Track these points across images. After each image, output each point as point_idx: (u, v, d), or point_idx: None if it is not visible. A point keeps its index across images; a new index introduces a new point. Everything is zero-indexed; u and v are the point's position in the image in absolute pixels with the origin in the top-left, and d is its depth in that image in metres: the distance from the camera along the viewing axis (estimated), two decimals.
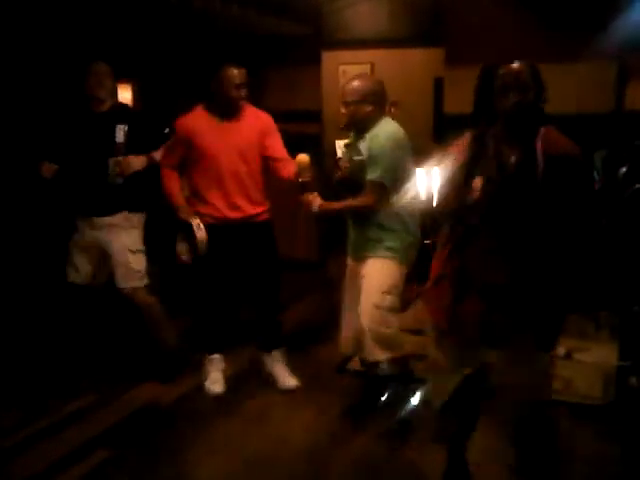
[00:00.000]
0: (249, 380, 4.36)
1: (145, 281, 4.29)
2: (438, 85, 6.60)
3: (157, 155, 4.13)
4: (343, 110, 3.72)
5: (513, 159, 2.46)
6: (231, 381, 4.32)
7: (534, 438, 2.63)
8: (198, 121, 3.96)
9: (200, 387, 4.25)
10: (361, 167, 3.72)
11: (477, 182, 2.49)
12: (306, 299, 5.60)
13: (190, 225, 3.85)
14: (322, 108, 6.91)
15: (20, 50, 4.72)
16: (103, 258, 4.22)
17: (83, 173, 4.08)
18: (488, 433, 3.36)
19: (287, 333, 4.56)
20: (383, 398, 3.92)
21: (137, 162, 4.08)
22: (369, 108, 3.69)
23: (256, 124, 4.04)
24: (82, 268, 4.22)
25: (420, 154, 4.90)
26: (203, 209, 3.99)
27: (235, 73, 3.88)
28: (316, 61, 6.84)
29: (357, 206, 3.71)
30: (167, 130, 4.16)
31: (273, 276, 4.25)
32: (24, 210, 4.78)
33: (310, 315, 5.42)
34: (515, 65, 2.48)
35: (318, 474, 3.43)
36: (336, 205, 3.80)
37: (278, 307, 4.38)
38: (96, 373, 4.35)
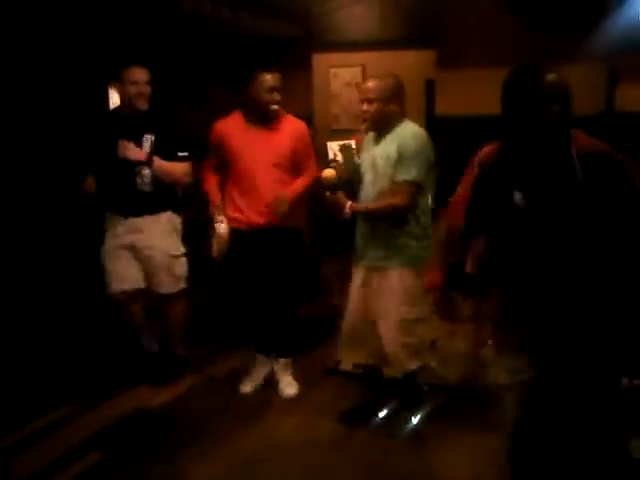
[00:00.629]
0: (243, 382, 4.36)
1: (184, 284, 4.30)
2: (429, 87, 6.60)
3: (163, 164, 4.10)
4: (365, 107, 3.62)
5: (551, 170, 2.40)
6: (225, 382, 4.33)
7: None
8: (232, 125, 3.99)
9: (194, 389, 4.25)
10: (356, 169, 3.72)
11: (517, 196, 2.44)
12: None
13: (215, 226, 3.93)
14: (313, 110, 6.91)
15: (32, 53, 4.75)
16: (140, 260, 4.20)
17: (111, 179, 4.09)
18: (487, 434, 3.40)
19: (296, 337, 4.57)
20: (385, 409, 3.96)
21: (138, 152, 4.05)
22: (394, 107, 3.64)
23: (291, 133, 4.03)
24: (131, 273, 4.17)
25: None
26: (232, 212, 4.01)
27: (268, 77, 3.89)
28: (307, 63, 6.84)
29: (390, 206, 3.57)
30: (186, 153, 4.17)
31: (299, 284, 4.25)
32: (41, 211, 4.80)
33: (304, 317, 5.41)
34: (556, 76, 2.43)
35: (313, 476, 3.43)
36: (369, 205, 3.65)
37: (296, 315, 4.38)
38: (90, 375, 4.34)
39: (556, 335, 2.46)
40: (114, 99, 5.88)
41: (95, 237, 4.25)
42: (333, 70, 7.17)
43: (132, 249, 4.17)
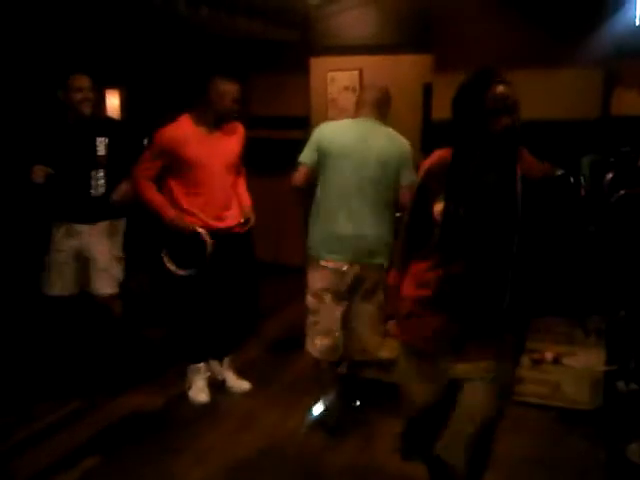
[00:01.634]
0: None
1: (117, 289, 4.32)
2: (427, 91, 6.61)
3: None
4: None
5: (492, 181, 2.39)
6: (217, 388, 4.32)
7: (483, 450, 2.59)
8: (184, 131, 3.94)
9: (185, 395, 4.24)
10: None
11: (459, 207, 2.44)
12: (292, 304, 5.58)
13: (193, 234, 3.89)
14: (310, 114, 6.91)
15: (5, 57, 4.70)
16: (82, 265, 4.21)
17: (66, 184, 4.08)
18: None
19: (275, 337, 4.57)
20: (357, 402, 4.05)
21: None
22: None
23: (236, 135, 4.11)
24: (66, 279, 4.19)
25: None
26: (187, 220, 3.96)
27: (232, 88, 3.93)
28: (304, 67, 6.84)
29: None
30: (146, 141, 4.17)
31: (250, 285, 4.29)
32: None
33: (296, 320, 5.40)
34: (503, 87, 2.41)
35: (307, 476, 3.44)
36: None
37: (246, 315, 4.50)
38: (83, 380, 4.33)
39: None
40: (110, 102, 5.93)
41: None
42: (330, 74, 7.17)
43: (77, 256, 4.19)
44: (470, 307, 2.44)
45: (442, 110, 6.27)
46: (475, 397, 2.48)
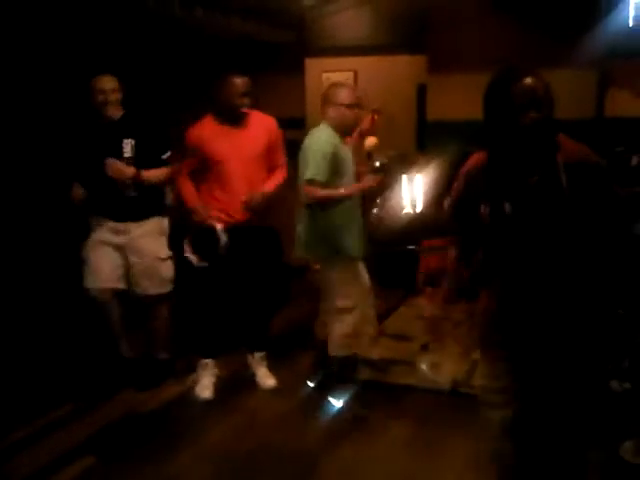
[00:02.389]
0: (236, 385, 4.37)
1: (170, 287, 4.32)
2: (421, 92, 6.63)
3: (147, 173, 4.13)
4: (347, 111, 3.88)
5: (535, 178, 2.37)
6: (219, 386, 4.32)
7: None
8: (206, 129, 4.04)
9: (185, 393, 4.25)
10: None
11: (505, 206, 2.43)
12: (296, 303, 5.59)
13: (210, 228, 3.92)
14: (305, 115, 6.92)
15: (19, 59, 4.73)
16: (126, 263, 4.21)
17: (97, 186, 4.09)
18: (477, 439, 3.40)
19: (274, 337, 4.57)
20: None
21: (125, 170, 4.07)
22: None
23: (263, 130, 4.13)
24: (111, 271, 4.17)
25: (403, 161, 4.94)
26: (215, 212, 4.04)
27: (239, 82, 3.96)
28: (299, 68, 6.85)
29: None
30: (168, 154, 4.20)
31: (271, 281, 4.32)
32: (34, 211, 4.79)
33: (297, 319, 5.42)
34: (530, 81, 2.39)
35: (306, 477, 3.44)
36: None
37: (270, 312, 4.47)
38: (81, 379, 4.33)
39: (543, 343, 2.46)
40: None
41: (82, 240, 4.25)
42: (325, 75, 7.18)
43: (119, 249, 4.18)
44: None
45: (436, 111, 6.34)
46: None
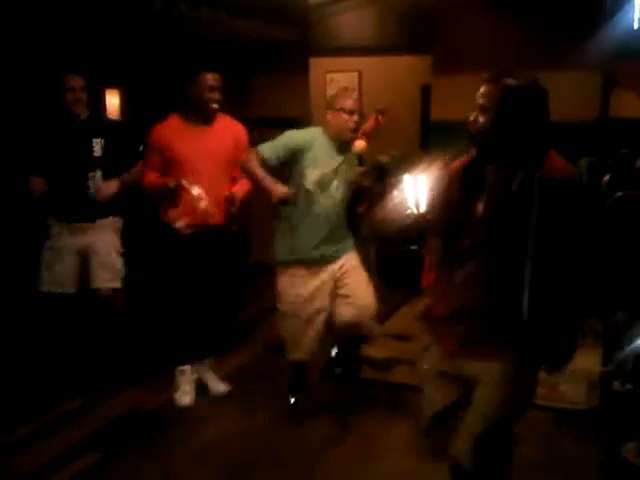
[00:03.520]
0: (235, 385, 4.37)
1: (120, 283, 4.32)
2: (425, 92, 6.63)
3: (127, 176, 4.17)
4: (357, 118, 3.77)
5: (514, 186, 2.36)
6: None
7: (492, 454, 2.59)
8: (172, 129, 3.99)
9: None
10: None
11: (478, 206, 2.45)
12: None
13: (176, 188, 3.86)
14: (309, 115, 6.93)
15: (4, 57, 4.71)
16: (83, 262, 4.22)
17: (63, 184, 4.10)
18: None
19: (270, 338, 4.57)
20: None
21: (112, 187, 4.13)
22: None
23: (230, 132, 4.09)
24: (63, 276, 4.18)
25: (407, 161, 4.93)
26: (173, 215, 3.96)
27: (208, 76, 3.93)
28: (303, 68, 6.86)
29: None
30: (141, 148, 4.18)
31: (234, 285, 4.30)
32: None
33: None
34: (482, 86, 2.43)
35: (306, 477, 3.46)
36: None
37: (228, 315, 4.44)
38: (83, 378, 4.34)
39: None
40: (110, 102, 5.93)
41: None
42: (330, 75, 7.21)
43: (78, 253, 4.20)
44: (490, 308, 2.44)
45: (440, 111, 6.34)
46: (487, 398, 2.49)
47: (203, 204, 3.81)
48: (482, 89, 2.41)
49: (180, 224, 3.89)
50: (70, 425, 3.90)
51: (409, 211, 4.32)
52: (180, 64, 5.72)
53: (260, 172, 3.62)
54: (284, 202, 3.62)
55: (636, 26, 5.32)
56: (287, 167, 3.74)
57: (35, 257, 4.22)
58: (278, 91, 6.74)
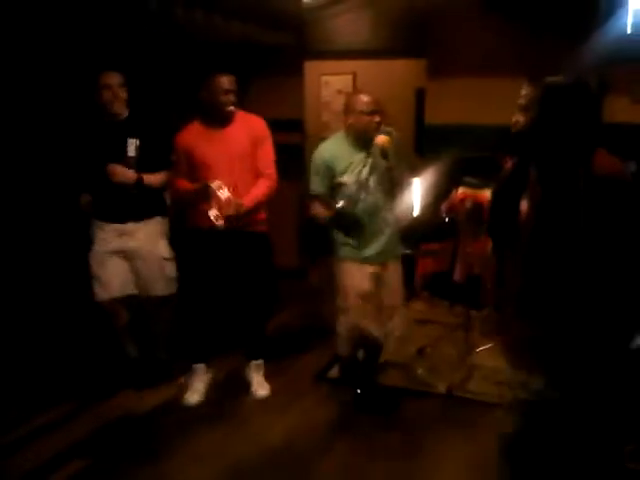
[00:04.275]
0: (232, 387, 4.38)
1: (174, 288, 4.31)
2: (420, 96, 6.64)
3: (150, 176, 4.14)
4: (378, 118, 3.83)
5: (555, 186, 2.36)
6: (214, 388, 4.33)
7: None
8: (194, 134, 4.02)
9: (181, 394, 4.25)
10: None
11: (524, 205, 2.44)
12: (288, 307, 5.60)
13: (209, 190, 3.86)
14: (304, 118, 6.94)
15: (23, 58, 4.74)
16: (131, 266, 4.21)
17: (100, 185, 4.08)
18: (472, 443, 3.42)
19: (269, 341, 4.57)
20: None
21: (127, 174, 4.06)
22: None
23: (246, 129, 4.07)
24: (120, 279, 4.16)
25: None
26: (200, 218, 3.97)
27: (223, 79, 3.95)
28: (298, 71, 6.86)
29: None
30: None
31: (264, 288, 4.27)
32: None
33: (292, 323, 5.43)
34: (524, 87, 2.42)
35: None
36: None
37: (264, 319, 4.40)
38: (75, 381, 4.33)
39: (575, 359, 2.41)
40: None
41: (84, 243, 4.23)
42: (324, 78, 7.20)
43: (122, 254, 4.17)
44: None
45: (435, 115, 6.35)
46: None
47: (231, 208, 3.84)
48: (523, 90, 2.41)
49: (220, 222, 3.87)
50: (64, 428, 3.89)
51: (404, 214, 4.33)
52: (175, 67, 5.74)
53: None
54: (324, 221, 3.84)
55: (629, 31, 5.33)
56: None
57: (82, 264, 4.20)
58: (273, 94, 6.73)
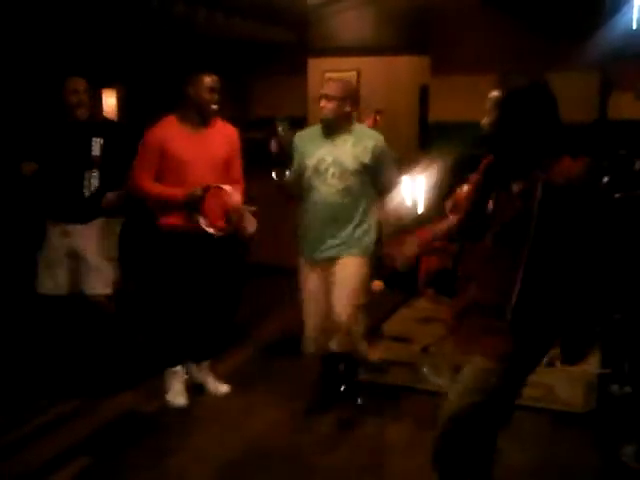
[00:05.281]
0: (232, 386, 4.35)
1: (110, 289, 4.29)
2: (423, 93, 6.62)
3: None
4: (324, 104, 3.76)
5: (515, 188, 2.39)
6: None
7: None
8: (169, 130, 3.95)
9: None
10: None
11: (490, 205, 2.49)
12: (286, 305, 5.57)
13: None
14: (307, 115, 6.92)
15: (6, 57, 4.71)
16: (76, 265, 4.21)
17: (59, 182, 4.09)
18: None
19: (267, 339, 4.56)
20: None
21: (116, 199, 4.11)
22: (350, 108, 3.80)
23: (224, 135, 4.07)
24: (59, 278, 4.18)
25: (405, 161, 4.93)
26: (173, 218, 3.94)
27: (208, 78, 3.92)
28: (302, 68, 6.85)
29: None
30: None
31: (231, 290, 4.26)
32: None
33: (290, 321, 5.41)
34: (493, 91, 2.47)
35: (305, 478, 3.43)
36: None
37: (225, 321, 4.39)
38: (77, 380, 4.32)
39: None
40: (107, 101, 5.93)
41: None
42: (328, 75, 7.18)
43: (70, 256, 4.18)
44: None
45: (439, 111, 6.33)
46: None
47: (236, 198, 3.85)
48: (490, 93, 2.44)
49: (213, 229, 3.86)
50: (65, 427, 3.87)
51: (407, 211, 4.31)
52: (178, 64, 5.73)
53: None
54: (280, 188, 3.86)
55: (635, 27, 5.31)
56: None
57: (34, 258, 4.21)
58: (276, 91, 6.73)
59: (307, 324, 3.98)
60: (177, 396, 4.14)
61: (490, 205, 2.49)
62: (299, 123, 6.70)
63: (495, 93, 2.46)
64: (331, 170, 3.78)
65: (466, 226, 2.65)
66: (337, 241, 3.84)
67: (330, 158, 3.78)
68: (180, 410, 4.08)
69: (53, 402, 4.10)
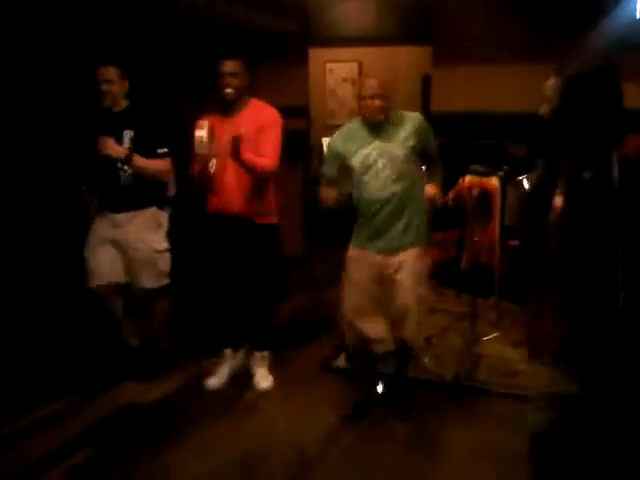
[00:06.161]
0: (237, 378, 4.34)
1: (167, 280, 4.30)
2: (426, 83, 6.60)
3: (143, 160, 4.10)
4: (370, 103, 3.74)
5: (587, 175, 2.32)
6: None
7: None
8: (210, 117, 3.95)
9: (186, 386, 4.23)
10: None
11: (557, 200, 2.39)
12: (294, 296, 5.57)
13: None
14: (309, 105, 6.89)
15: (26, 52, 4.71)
16: (124, 257, 4.20)
17: (99, 174, 4.12)
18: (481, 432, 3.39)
19: (275, 333, 4.54)
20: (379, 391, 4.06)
21: (118, 149, 4.04)
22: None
23: (256, 119, 4.01)
24: (112, 267, 4.17)
25: None
26: (212, 200, 4.06)
27: (224, 63, 3.92)
28: (303, 58, 6.81)
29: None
30: (165, 150, 4.16)
31: (272, 280, 4.23)
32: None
33: (298, 312, 5.41)
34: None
35: (306, 472, 3.42)
36: None
37: (271, 310, 4.35)
38: (80, 372, 4.31)
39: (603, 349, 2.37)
40: None
41: (83, 233, 4.25)
42: (329, 65, 7.16)
43: (115, 244, 4.17)
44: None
45: (441, 102, 6.30)
46: None
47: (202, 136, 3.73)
48: (549, 81, 2.39)
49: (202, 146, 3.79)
50: (65, 420, 3.88)
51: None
52: (178, 53, 5.71)
53: None
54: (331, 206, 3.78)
55: (638, 17, 5.28)
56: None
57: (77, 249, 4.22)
58: (277, 81, 6.68)
59: (352, 317, 3.85)
60: (214, 378, 4.23)
61: (557, 202, 2.39)
62: (300, 112, 6.72)
63: (554, 80, 2.39)
64: (380, 162, 3.72)
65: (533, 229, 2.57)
66: (394, 233, 3.76)
67: (376, 152, 3.73)
68: (183, 402, 4.08)
69: (55, 395, 4.10)
